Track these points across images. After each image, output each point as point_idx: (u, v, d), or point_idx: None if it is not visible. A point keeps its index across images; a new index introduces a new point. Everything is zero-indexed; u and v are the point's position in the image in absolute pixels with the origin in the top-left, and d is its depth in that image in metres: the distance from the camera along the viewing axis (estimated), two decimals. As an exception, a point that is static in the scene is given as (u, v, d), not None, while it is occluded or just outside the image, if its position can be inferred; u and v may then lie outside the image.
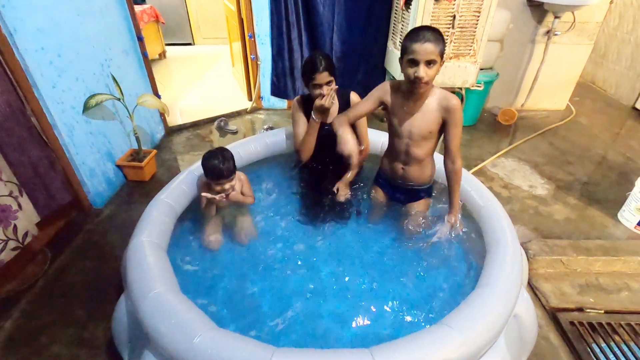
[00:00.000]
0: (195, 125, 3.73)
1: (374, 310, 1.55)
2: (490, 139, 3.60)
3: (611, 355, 1.70)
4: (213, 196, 1.75)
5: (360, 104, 1.79)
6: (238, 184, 1.93)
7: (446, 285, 1.65)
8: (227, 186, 1.80)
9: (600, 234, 2.39)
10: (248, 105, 4.05)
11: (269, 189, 2.26)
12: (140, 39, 3.00)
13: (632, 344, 1.75)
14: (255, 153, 2.33)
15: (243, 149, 2.26)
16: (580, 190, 2.84)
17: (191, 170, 1.95)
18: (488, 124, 3.88)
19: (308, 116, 2.00)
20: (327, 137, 2.00)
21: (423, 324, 1.46)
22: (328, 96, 1.85)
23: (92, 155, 2.45)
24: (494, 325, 1.23)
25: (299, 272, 1.72)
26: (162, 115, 3.42)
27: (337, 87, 1.89)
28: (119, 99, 2.53)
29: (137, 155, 2.79)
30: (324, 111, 1.92)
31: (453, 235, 1.76)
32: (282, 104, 4.08)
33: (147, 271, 1.33)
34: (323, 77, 1.82)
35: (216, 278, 1.66)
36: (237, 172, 1.99)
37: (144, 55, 3.09)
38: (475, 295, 1.33)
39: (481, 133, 3.71)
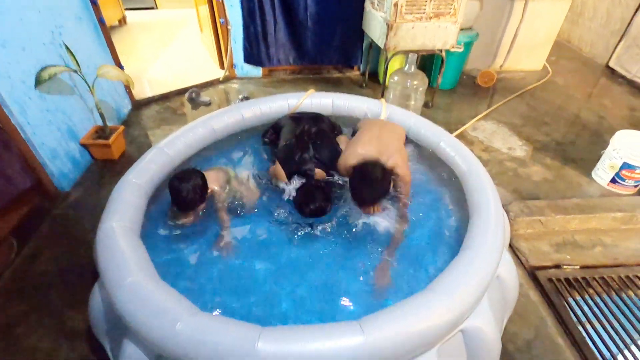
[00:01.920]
0: (164, 97, 3.51)
1: (359, 283, 1.54)
2: (469, 102, 3.57)
3: (585, 307, 1.79)
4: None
5: None
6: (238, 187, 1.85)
7: (431, 252, 1.65)
8: (190, 216, 1.71)
9: (575, 192, 2.46)
10: (220, 74, 3.83)
11: (246, 163, 2.17)
12: (94, 2, 2.71)
13: (604, 296, 1.84)
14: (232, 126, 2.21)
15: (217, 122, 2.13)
16: (556, 150, 2.89)
17: (159, 147, 1.82)
18: (467, 87, 3.84)
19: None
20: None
21: (409, 292, 1.46)
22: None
23: (52, 135, 2.26)
24: (478, 288, 1.24)
25: (282, 253, 1.68)
26: (127, 87, 3.18)
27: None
28: (75, 71, 2.30)
29: (102, 133, 2.60)
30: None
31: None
32: (257, 72, 3.88)
33: (120, 258, 1.25)
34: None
35: (194, 262, 1.59)
36: (240, 177, 1.90)
37: (100, 21, 2.80)
38: (459, 259, 1.34)
39: (461, 96, 3.67)
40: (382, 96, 3.31)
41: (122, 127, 2.69)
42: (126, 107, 3.21)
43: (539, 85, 3.89)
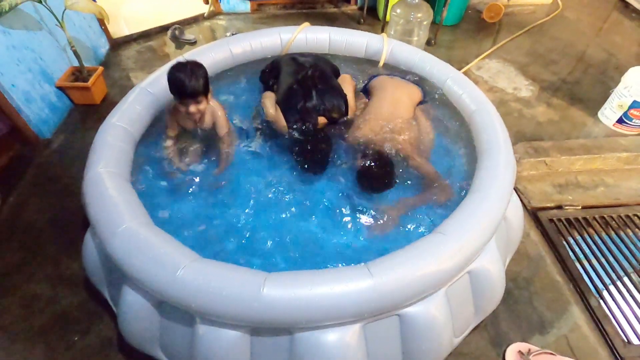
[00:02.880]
0: (145, 35, 3.21)
1: (368, 228, 1.50)
2: (474, 39, 3.35)
3: (584, 245, 1.81)
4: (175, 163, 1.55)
5: None
6: (209, 117, 1.67)
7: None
8: (192, 109, 1.51)
9: (579, 133, 2.39)
10: (204, 9, 3.49)
11: (240, 107, 2.01)
12: None
13: (603, 234, 1.86)
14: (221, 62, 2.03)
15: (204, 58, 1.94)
16: (563, 89, 2.77)
17: (143, 87, 1.66)
18: (472, 23, 3.58)
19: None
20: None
21: (418, 234, 1.43)
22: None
23: (23, 76, 2.05)
24: (487, 230, 1.21)
25: (281, 197, 1.60)
26: (102, 24, 2.88)
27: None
28: (40, 1, 2.04)
29: (80, 74, 2.39)
30: None
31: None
32: (245, 6, 3.54)
33: (111, 205, 1.17)
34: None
35: (190, 210, 1.51)
36: (215, 106, 1.70)
37: (62, -58, 2.44)
38: (468, 201, 1.29)
39: (465, 33, 3.44)
40: (382, 32, 3.06)
41: (100, 68, 2.47)
42: (103, 47, 2.93)
43: (547, 20, 3.64)
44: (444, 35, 3.33)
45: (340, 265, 1.30)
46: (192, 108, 1.50)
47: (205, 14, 3.47)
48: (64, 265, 1.66)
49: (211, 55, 2.00)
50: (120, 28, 3.23)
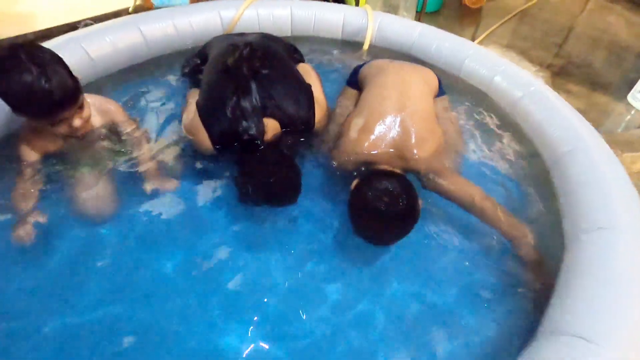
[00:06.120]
0: (45, 36, 2.46)
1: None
2: (460, 25, 2.94)
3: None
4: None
5: None
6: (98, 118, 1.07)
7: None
8: (77, 122, 0.98)
9: (616, 122, 1.97)
10: (130, 3, 2.80)
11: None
12: None
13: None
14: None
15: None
16: (577, 74, 2.36)
17: None
18: (454, 9, 3.18)
19: None
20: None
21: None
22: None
23: None
24: None
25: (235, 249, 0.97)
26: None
27: None
28: None
29: None
30: None
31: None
32: (181, -2, 2.87)
33: None
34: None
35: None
36: (97, 100, 1.10)
37: None
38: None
39: (448, 20, 3.01)
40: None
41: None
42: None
43: (534, 4, 3.29)
44: (426, 23, 2.84)
45: None
46: (77, 121, 0.98)
47: (130, 9, 2.78)
48: None
49: (108, 39, 1.30)
50: (10, 26, 2.46)
